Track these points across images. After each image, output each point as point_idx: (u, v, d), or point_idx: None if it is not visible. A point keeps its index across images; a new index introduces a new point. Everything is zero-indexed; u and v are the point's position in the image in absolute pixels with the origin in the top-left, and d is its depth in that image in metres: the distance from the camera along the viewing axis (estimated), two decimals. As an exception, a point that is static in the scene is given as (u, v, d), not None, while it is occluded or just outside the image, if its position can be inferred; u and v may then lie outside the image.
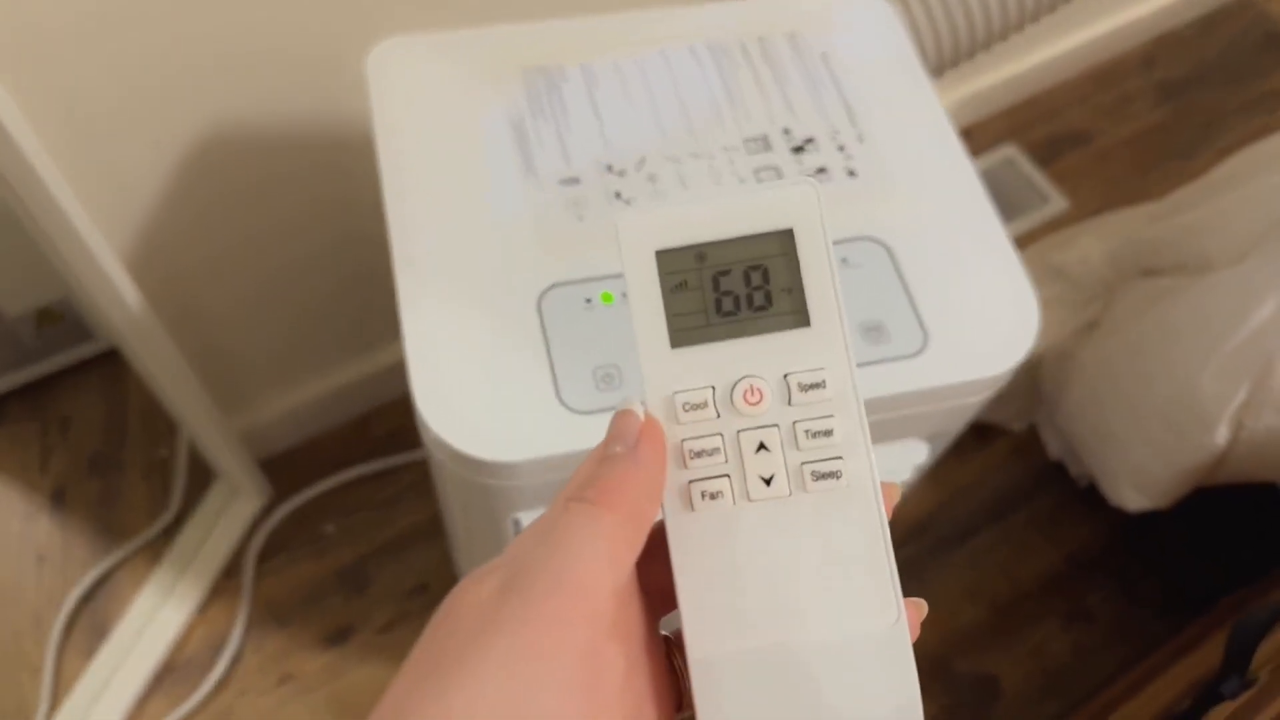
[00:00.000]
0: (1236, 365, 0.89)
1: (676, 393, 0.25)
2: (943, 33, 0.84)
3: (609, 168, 0.56)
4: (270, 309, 1.02)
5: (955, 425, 0.58)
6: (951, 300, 0.53)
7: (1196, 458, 0.93)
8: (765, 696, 0.25)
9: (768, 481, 0.25)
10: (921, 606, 0.26)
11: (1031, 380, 1.20)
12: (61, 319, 1.13)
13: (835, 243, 0.55)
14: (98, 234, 0.82)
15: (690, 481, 0.25)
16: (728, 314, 0.25)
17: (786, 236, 0.26)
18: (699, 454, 0.25)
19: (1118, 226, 1.18)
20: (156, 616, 1.07)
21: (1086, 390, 1.07)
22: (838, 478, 0.25)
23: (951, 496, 1.25)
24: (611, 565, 0.23)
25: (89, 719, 1.01)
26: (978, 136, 1.55)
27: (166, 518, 1.13)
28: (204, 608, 1.09)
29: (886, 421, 0.53)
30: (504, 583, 0.23)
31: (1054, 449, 1.23)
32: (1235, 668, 0.72)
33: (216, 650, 1.07)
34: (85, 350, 1.18)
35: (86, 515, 1.14)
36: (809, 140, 0.58)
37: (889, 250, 0.54)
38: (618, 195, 0.55)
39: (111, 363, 1.20)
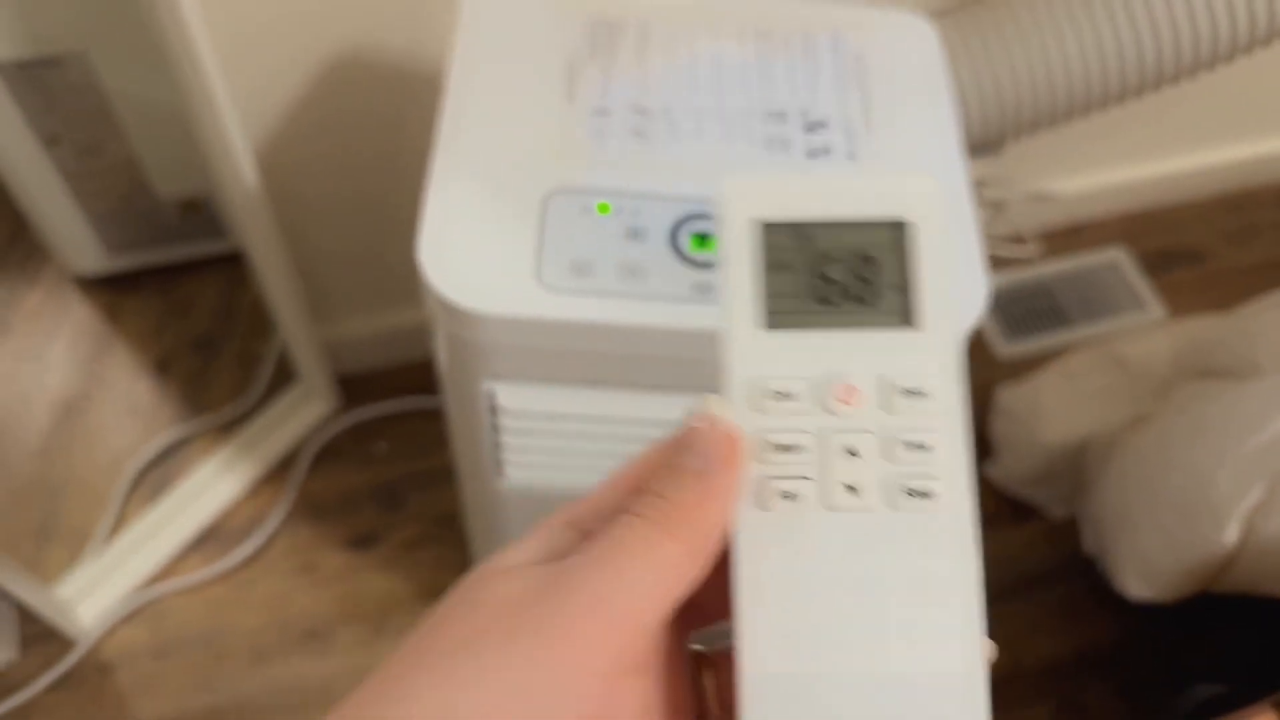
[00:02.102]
0: (1254, 467, 0.89)
1: (764, 377, 0.23)
2: (997, 99, 0.89)
3: (637, 109, 0.64)
4: (372, 236, 1.14)
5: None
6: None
7: (1204, 553, 0.92)
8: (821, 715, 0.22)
9: (853, 490, 0.23)
10: (992, 649, 0.25)
11: (1075, 465, 1.20)
12: (203, 211, 1.27)
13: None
14: (239, 126, 0.95)
15: (767, 478, 0.23)
16: (829, 303, 0.23)
17: (901, 229, 0.24)
18: (782, 449, 0.23)
19: (1190, 331, 1.18)
20: (213, 485, 1.19)
21: (1117, 477, 1.07)
22: (931, 498, 0.23)
23: (972, 563, 1.25)
24: (659, 601, 0.21)
25: (136, 554, 1.13)
26: (1090, 234, 1.55)
27: (245, 404, 1.25)
28: (255, 489, 1.21)
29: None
30: (540, 585, 0.21)
31: (1089, 543, 1.22)
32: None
33: (256, 527, 1.18)
34: (217, 246, 1.33)
35: (180, 386, 1.27)
36: (821, 123, 0.64)
37: (864, 222, 0.60)
38: (638, 132, 0.63)
39: (235, 265, 1.34)
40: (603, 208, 0.59)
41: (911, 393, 0.23)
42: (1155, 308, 1.47)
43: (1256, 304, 1.08)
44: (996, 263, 1.49)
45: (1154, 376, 1.14)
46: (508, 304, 0.55)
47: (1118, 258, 1.52)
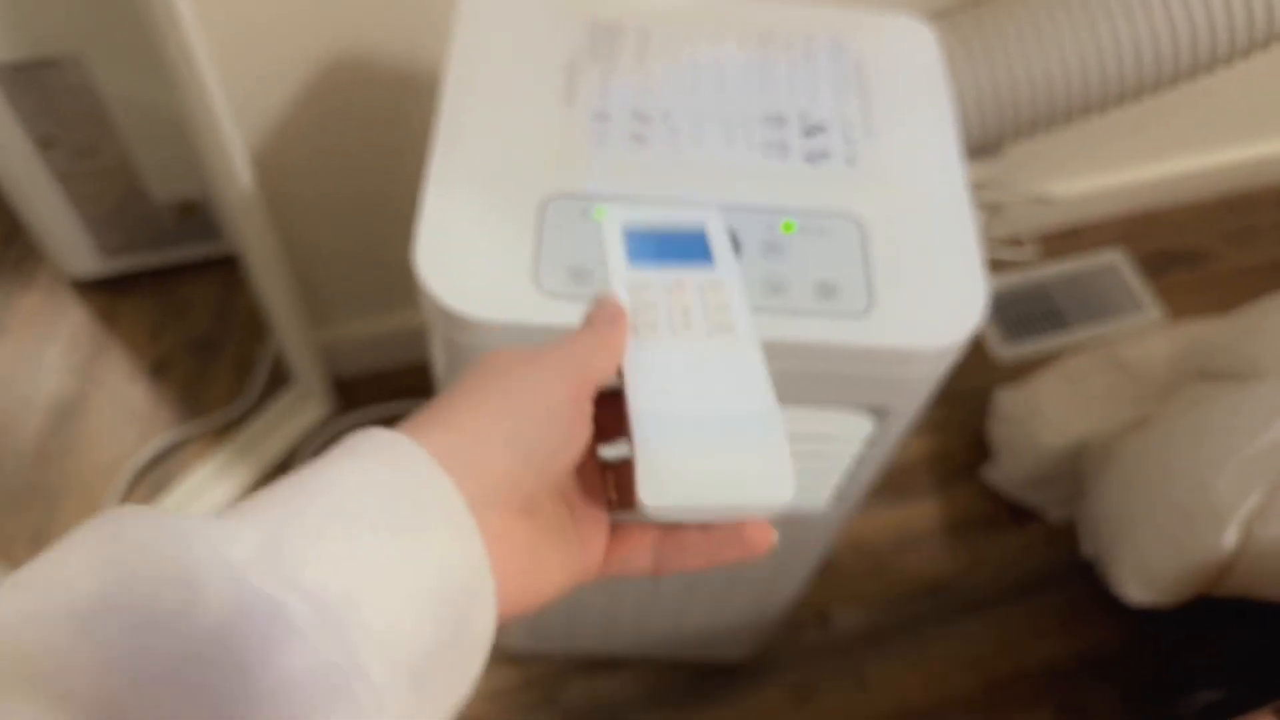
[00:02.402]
0: (1254, 471, 0.88)
1: (633, 284, 0.39)
2: (995, 103, 0.89)
3: (637, 113, 0.63)
4: (368, 238, 1.13)
5: (897, 403, 0.62)
6: (906, 279, 0.57)
7: (1204, 558, 0.92)
8: (686, 440, 0.34)
9: (688, 326, 0.38)
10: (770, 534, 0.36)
11: (1074, 468, 1.20)
12: (199, 214, 1.27)
13: (816, 214, 0.60)
14: (235, 127, 0.94)
15: (641, 321, 0.38)
16: (662, 257, 0.40)
17: (702, 228, 0.42)
18: (644, 307, 0.38)
19: (1189, 333, 1.18)
20: (210, 488, 1.19)
21: (1116, 480, 1.06)
22: (731, 330, 0.38)
23: (972, 566, 1.25)
24: (597, 370, 0.34)
25: (130, 559, 1.12)
26: (1089, 236, 1.55)
27: (242, 407, 1.25)
28: (251, 491, 1.20)
29: (829, 376, 0.58)
30: (531, 351, 0.34)
31: (1087, 547, 1.22)
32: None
33: (252, 530, 1.17)
34: (212, 249, 1.32)
35: (177, 390, 1.27)
36: (820, 127, 0.64)
37: (861, 229, 0.59)
38: (637, 137, 0.62)
39: (231, 267, 1.34)
40: (600, 213, 0.59)
41: (713, 288, 0.39)
42: (1154, 309, 1.46)
43: (1257, 305, 1.08)
44: (995, 265, 1.48)
45: (1154, 379, 1.14)
46: (506, 310, 0.55)
47: (1116, 260, 1.52)
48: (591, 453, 0.38)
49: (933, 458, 1.33)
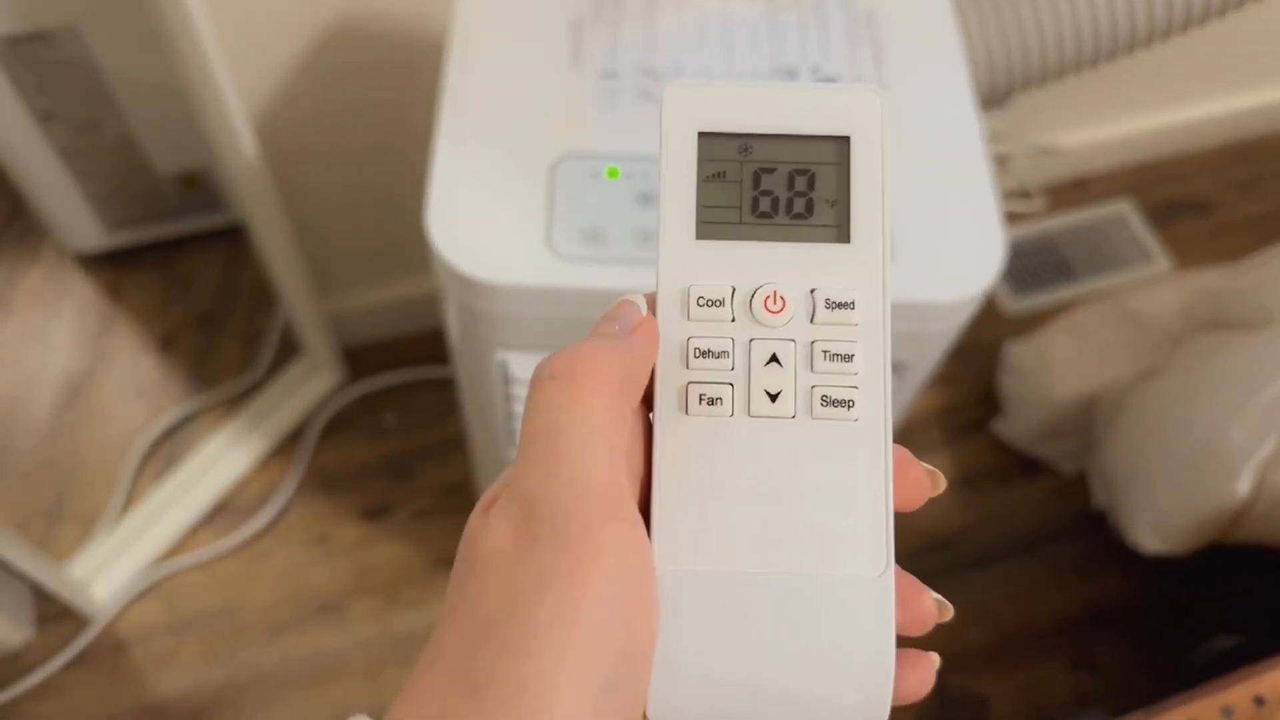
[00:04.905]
0: (1267, 418, 0.88)
1: (692, 285, 0.24)
2: (1003, 55, 0.88)
3: (646, 70, 0.63)
4: (373, 207, 1.13)
5: (916, 357, 0.62)
6: (923, 232, 0.57)
7: (1217, 506, 0.92)
8: (732, 623, 0.23)
9: (773, 398, 0.23)
10: (944, 610, 0.26)
11: (1085, 421, 1.20)
12: (202, 186, 1.26)
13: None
14: (236, 94, 0.93)
15: (690, 383, 0.24)
16: (763, 215, 0.24)
17: (843, 144, 0.24)
18: (705, 354, 0.24)
19: (1199, 282, 1.17)
20: (223, 460, 1.19)
21: (1127, 430, 1.06)
22: (849, 408, 0.23)
23: (983, 520, 1.26)
24: (614, 461, 0.22)
25: (147, 531, 1.13)
26: (1096, 186, 1.54)
27: (251, 379, 1.25)
28: (265, 462, 1.21)
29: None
30: (520, 525, 0.21)
31: (1099, 498, 1.22)
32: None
33: (267, 500, 1.18)
34: (217, 221, 1.32)
35: (185, 363, 1.27)
36: (833, 80, 0.63)
37: (878, 181, 0.59)
38: (647, 94, 0.62)
39: (236, 239, 1.33)
40: (612, 172, 0.58)
41: (836, 304, 0.23)
42: (1162, 260, 1.46)
43: (1266, 253, 1.07)
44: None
45: (1164, 329, 1.14)
46: (520, 273, 0.55)
47: (1124, 210, 1.51)
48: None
49: (942, 412, 1.33)
